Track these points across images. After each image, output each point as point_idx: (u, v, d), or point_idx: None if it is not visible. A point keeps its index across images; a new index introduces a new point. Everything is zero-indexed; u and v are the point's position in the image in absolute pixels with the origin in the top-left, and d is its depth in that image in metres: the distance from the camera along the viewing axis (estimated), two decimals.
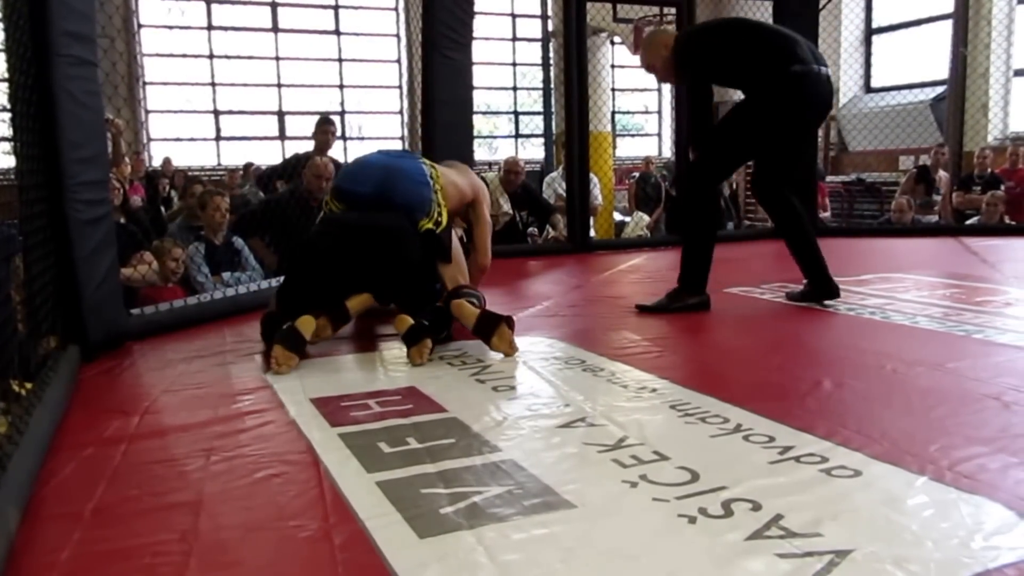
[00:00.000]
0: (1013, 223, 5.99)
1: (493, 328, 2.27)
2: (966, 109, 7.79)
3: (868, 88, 9.41)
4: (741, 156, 3.14)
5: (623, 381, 2.03)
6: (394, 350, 2.43)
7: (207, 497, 1.38)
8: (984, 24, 7.75)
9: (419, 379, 2.08)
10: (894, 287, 3.38)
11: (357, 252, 2.39)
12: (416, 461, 1.49)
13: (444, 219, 2.59)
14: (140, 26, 8.85)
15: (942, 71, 7.98)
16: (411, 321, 2.30)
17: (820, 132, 6.70)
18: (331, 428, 1.69)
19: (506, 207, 5.18)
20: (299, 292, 2.39)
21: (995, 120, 7.83)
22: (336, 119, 9.47)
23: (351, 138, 9.90)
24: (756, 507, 1.25)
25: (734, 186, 7.88)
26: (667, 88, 10.43)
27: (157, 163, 8.36)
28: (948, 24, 7.86)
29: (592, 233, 5.84)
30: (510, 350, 2.28)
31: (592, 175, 5.86)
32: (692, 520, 1.22)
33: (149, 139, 9.11)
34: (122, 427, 1.74)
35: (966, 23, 7.68)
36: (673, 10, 5.66)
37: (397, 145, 10.06)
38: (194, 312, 2.95)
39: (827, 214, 6.69)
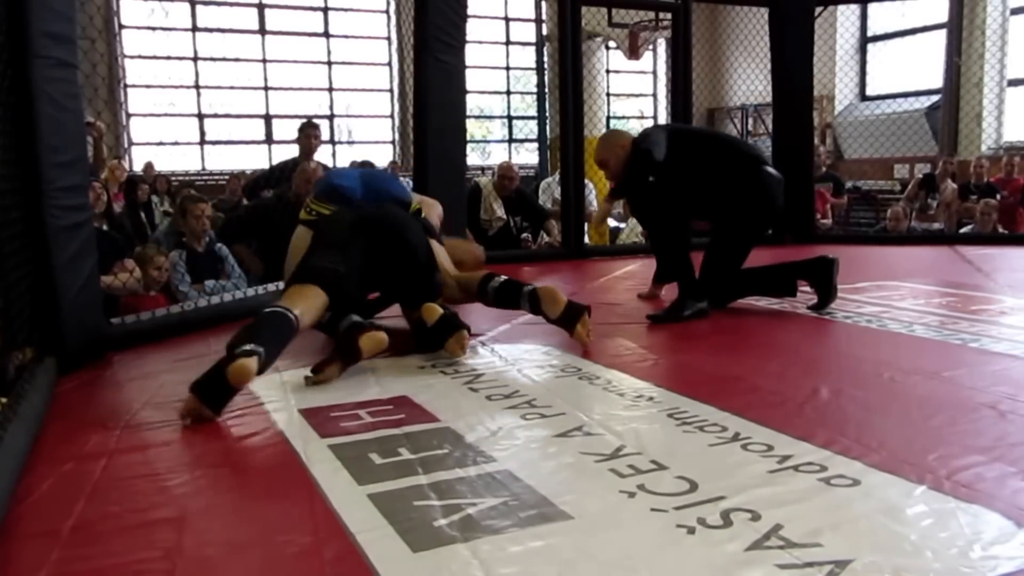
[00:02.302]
0: (1006, 232, 6.06)
1: (577, 318, 2.40)
2: (960, 118, 7.88)
3: (863, 96, 9.50)
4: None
5: (620, 389, 2.03)
6: (387, 358, 2.42)
7: (191, 513, 1.37)
8: (978, 34, 7.85)
9: (411, 388, 2.07)
10: (890, 295, 3.41)
11: (375, 241, 2.36)
12: (409, 472, 1.48)
13: (422, 211, 2.70)
14: (122, 27, 8.81)
15: (937, 80, 8.08)
16: (440, 310, 2.29)
17: (816, 140, 6.76)
18: (320, 439, 1.69)
19: (500, 212, 5.18)
20: (316, 274, 2.21)
21: (989, 130, 7.93)
22: (324, 123, 9.50)
23: (340, 142, 9.89)
24: (755, 517, 1.26)
25: None
26: (663, 93, 10.50)
27: (139, 167, 8.30)
28: (942, 33, 7.97)
29: (587, 239, 5.85)
30: (588, 339, 2.45)
31: (588, 181, 5.88)
32: (691, 530, 1.22)
33: (131, 143, 9.06)
34: (102, 441, 1.72)
35: (960, 32, 7.79)
36: (668, 15, 5.72)
37: (388, 149, 10.07)
38: (177, 321, 2.93)
39: (828, 221, 6.73)
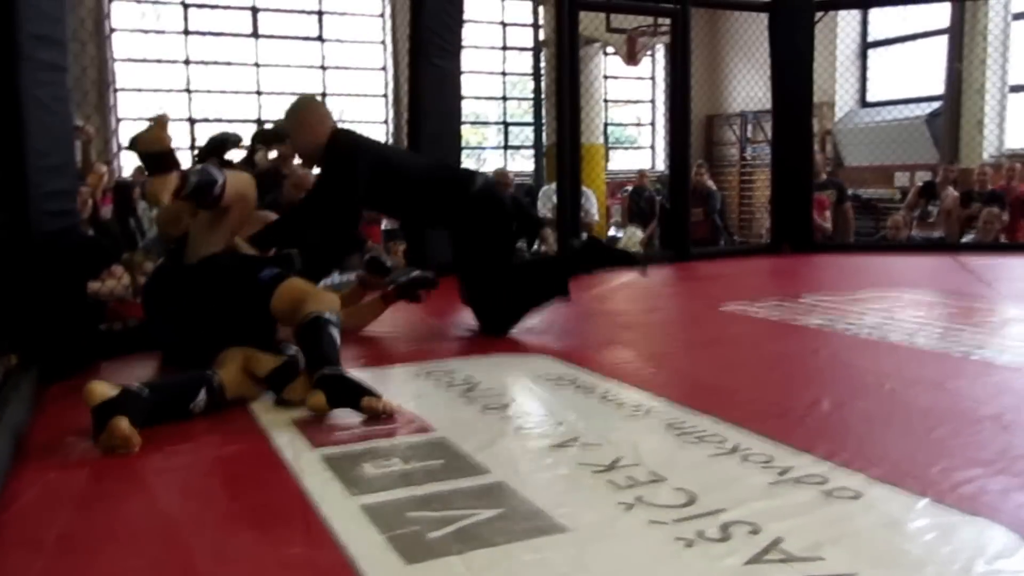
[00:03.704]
0: (1007, 241, 6.07)
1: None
2: (962, 125, 7.92)
3: (864, 103, 9.55)
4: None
5: (618, 400, 2.03)
6: (382, 370, 2.42)
7: (180, 523, 1.37)
8: (980, 39, 7.89)
9: (405, 398, 2.07)
10: (892, 305, 3.41)
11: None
12: (402, 483, 1.48)
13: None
14: (112, 30, 8.81)
15: (938, 86, 8.12)
16: (272, 361, 2.02)
17: (816, 147, 6.77)
18: (313, 450, 1.68)
19: None
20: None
21: (991, 137, 7.96)
22: None
23: None
24: (755, 530, 1.26)
25: (720, 202, 7.93)
26: (661, 100, 10.54)
27: (128, 172, 8.29)
28: (944, 39, 8.02)
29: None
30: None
31: (588, 189, 5.89)
32: (689, 544, 1.22)
33: (120, 147, 9.05)
34: (88, 450, 1.72)
35: (962, 38, 7.83)
36: (667, 20, 5.75)
37: None
38: None
39: (828, 225, 6.71)
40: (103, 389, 1.74)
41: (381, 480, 1.50)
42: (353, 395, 1.87)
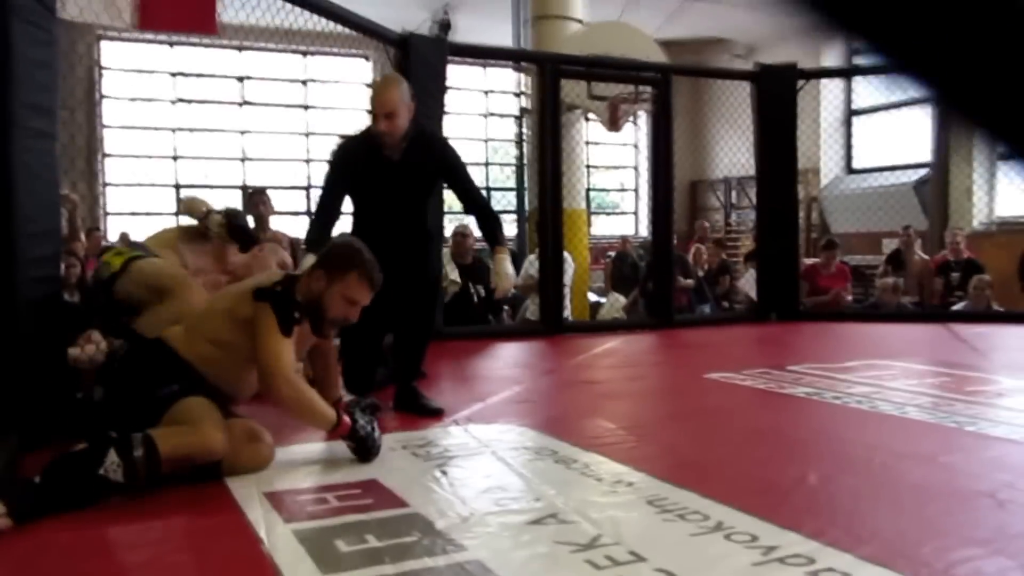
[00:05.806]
0: (1002, 309, 6.11)
1: None
2: (950, 192, 8.07)
3: (849, 169, 9.78)
4: None
5: (597, 474, 2.01)
6: None
7: None
8: None
9: (380, 472, 2.04)
10: (881, 375, 3.42)
11: None
12: (375, 561, 1.45)
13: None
14: (102, 97, 9.01)
15: (925, 153, 8.31)
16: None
17: (801, 214, 6.86)
18: (285, 525, 1.66)
19: (453, 275, 5.13)
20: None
21: (979, 204, 8.11)
22: (302, 194, 9.62)
23: None
24: None
25: (706, 267, 8.00)
26: (644, 166, 10.77)
27: (114, 238, 8.33)
28: (931, 105, 8.26)
29: (567, 314, 5.83)
30: None
31: (567, 254, 5.90)
32: None
33: (106, 213, 9.13)
34: (60, 523, 1.69)
35: None
36: (649, 88, 5.92)
37: None
38: None
39: (851, 298, 6.69)
40: None
41: (354, 557, 1.47)
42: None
